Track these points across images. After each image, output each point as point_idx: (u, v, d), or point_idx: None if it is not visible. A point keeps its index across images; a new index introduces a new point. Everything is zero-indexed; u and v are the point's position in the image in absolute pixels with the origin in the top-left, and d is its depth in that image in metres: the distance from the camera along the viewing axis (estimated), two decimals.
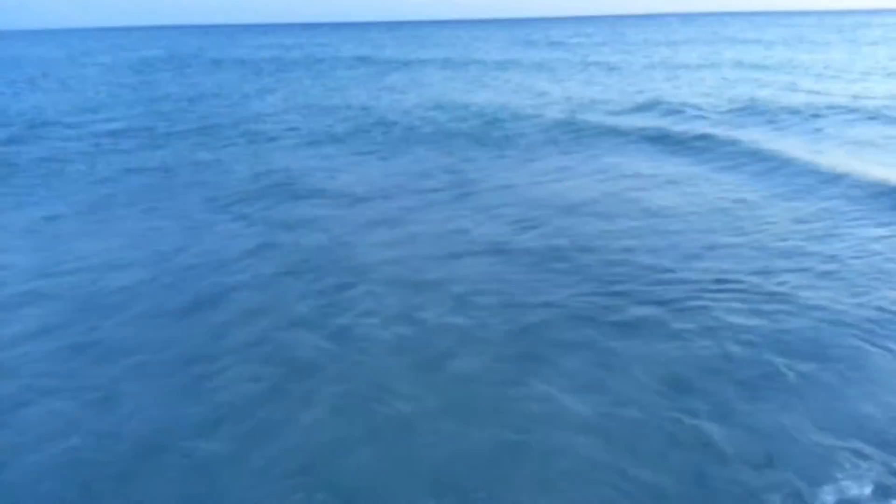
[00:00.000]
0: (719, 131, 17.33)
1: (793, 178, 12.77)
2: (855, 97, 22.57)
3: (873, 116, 18.84)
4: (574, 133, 18.26)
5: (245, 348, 6.83)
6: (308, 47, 71.12)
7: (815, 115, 19.33)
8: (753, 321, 7.04)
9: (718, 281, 8.11)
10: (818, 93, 24.17)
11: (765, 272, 8.34)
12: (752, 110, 20.80)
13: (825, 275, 8.23)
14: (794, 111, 20.10)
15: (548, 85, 30.25)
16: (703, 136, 16.60)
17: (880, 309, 7.23)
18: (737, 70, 33.56)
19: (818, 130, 17.46)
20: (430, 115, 22.27)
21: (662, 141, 16.69)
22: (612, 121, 19.84)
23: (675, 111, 21.19)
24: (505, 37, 77.10)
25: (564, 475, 4.83)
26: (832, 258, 8.78)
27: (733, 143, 15.67)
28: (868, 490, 4.55)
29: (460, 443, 5.24)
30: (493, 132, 18.90)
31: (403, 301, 7.86)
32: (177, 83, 36.28)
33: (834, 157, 14.18)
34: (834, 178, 12.40)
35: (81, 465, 5.11)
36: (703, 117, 20.01)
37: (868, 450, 4.97)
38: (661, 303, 7.56)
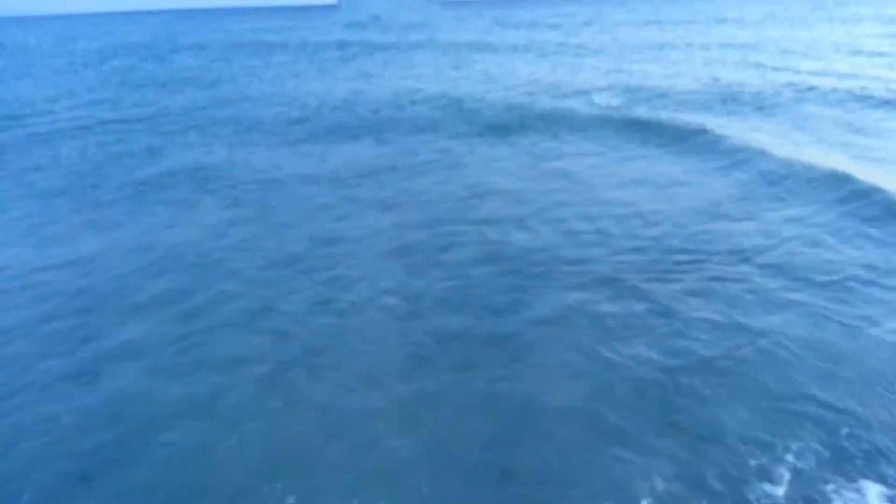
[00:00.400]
0: (676, 114, 17.74)
1: (736, 153, 13.38)
2: (830, 76, 22.78)
3: (838, 94, 19.19)
4: (533, 116, 18.54)
5: (236, 333, 6.98)
6: (297, 30, 70.58)
7: (800, 100, 19.06)
8: (706, 291, 7.61)
9: (670, 250, 8.81)
10: (799, 72, 23.87)
11: (724, 244, 9.01)
12: (713, 92, 20.96)
13: (777, 245, 8.93)
14: (778, 93, 19.98)
15: (523, 66, 30.56)
16: (661, 120, 17.02)
17: (819, 274, 7.89)
18: (708, 51, 33.73)
19: (800, 114, 17.62)
20: (410, 98, 22.63)
21: (626, 125, 17.03)
22: (570, 103, 20.03)
23: (634, 90, 21.40)
24: (492, 17, 76.79)
25: (558, 451, 5.09)
26: (788, 221, 9.63)
27: (684, 124, 16.12)
28: (815, 460, 4.90)
29: (459, 426, 5.40)
30: (466, 115, 19.32)
31: (395, 277, 8.23)
32: (164, 68, 36.29)
33: (780, 139, 14.88)
34: (762, 154, 12.99)
35: (77, 451, 5.30)
36: (664, 96, 20.32)
37: (815, 420, 5.34)
38: (639, 271, 8.22)
